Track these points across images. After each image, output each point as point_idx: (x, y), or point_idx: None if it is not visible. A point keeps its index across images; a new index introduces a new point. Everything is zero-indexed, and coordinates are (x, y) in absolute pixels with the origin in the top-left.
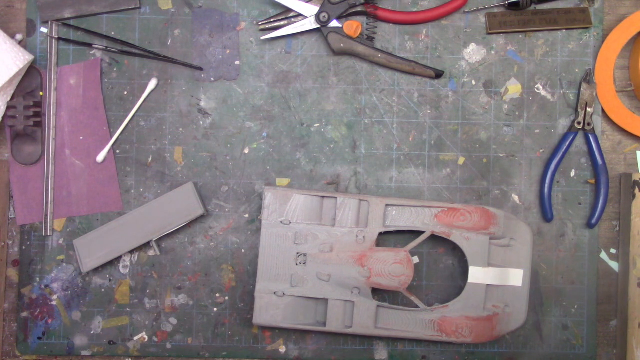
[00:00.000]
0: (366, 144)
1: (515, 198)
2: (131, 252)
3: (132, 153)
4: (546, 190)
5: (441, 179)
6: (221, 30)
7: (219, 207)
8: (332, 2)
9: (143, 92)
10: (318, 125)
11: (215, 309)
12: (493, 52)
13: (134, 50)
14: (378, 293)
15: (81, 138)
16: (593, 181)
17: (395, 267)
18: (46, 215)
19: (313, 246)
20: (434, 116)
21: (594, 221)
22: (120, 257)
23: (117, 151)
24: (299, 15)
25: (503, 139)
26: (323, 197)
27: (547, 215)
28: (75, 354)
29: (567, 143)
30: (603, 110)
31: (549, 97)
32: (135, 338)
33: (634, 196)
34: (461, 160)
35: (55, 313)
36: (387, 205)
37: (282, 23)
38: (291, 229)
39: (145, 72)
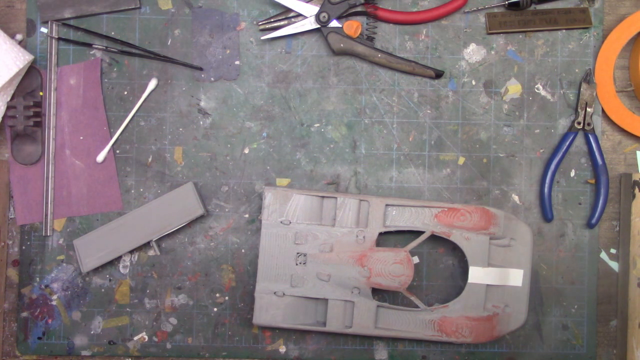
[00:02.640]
0: (366, 144)
1: (515, 198)
2: (131, 252)
3: (132, 153)
4: (546, 190)
5: (441, 179)
6: (221, 30)
7: (219, 207)
8: (332, 2)
9: (143, 92)
10: (318, 125)
11: (215, 309)
12: (493, 52)
13: (134, 50)
14: (378, 293)
15: (81, 138)
16: (593, 181)
17: (395, 267)
18: (46, 215)
19: (313, 246)
20: (434, 116)
21: (594, 221)
22: (120, 257)
23: (117, 151)
24: (299, 15)
25: (503, 139)
26: (323, 197)
27: (547, 215)
28: (75, 354)
29: (567, 143)
30: (603, 110)
31: (549, 97)
32: (135, 338)
33: (634, 196)
34: (461, 160)
35: (55, 313)
36: (387, 205)
37: (282, 23)
38: (291, 229)
39: (145, 72)
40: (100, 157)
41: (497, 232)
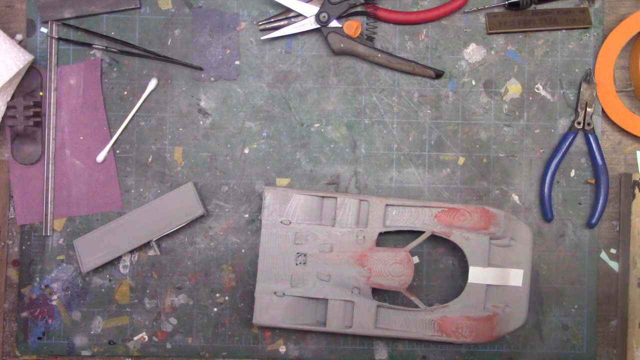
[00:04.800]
0: (366, 144)
1: (515, 198)
2: (131, 252)
3: (132, 153)
4: (546, 190)
5: (441, 179)
6: (221, 30)
7: (219, 207)
8: (332, 2)
9: (143, 92)
10: (318, 125)
11: (215, 309)
12: (493, 52)
13: (134, 50)
14: (378, 293)
15: (81, 138)
16: (593, 181)
17: (395, 267)
18: (46, 215)
19: (313, 246)
20: (434, 116)
21: (594, 221)
22: (120, 257)
23: (117, 151)
24: (299, 15)
25: (503, 139)
26: (323, 197)
27: (547, 215)
28: (75, 354)
29: (567, 143)
30: (603, 110)
31: (549, 97)
32: (135, 338)
33: (634, 196)
34: (461, 160)
35: (55, 313)
36: (387, 205)
37: (282, 23)
38: (291, 229)
39: (145, 72)
40: (100, 157)
41: (497, 232)
